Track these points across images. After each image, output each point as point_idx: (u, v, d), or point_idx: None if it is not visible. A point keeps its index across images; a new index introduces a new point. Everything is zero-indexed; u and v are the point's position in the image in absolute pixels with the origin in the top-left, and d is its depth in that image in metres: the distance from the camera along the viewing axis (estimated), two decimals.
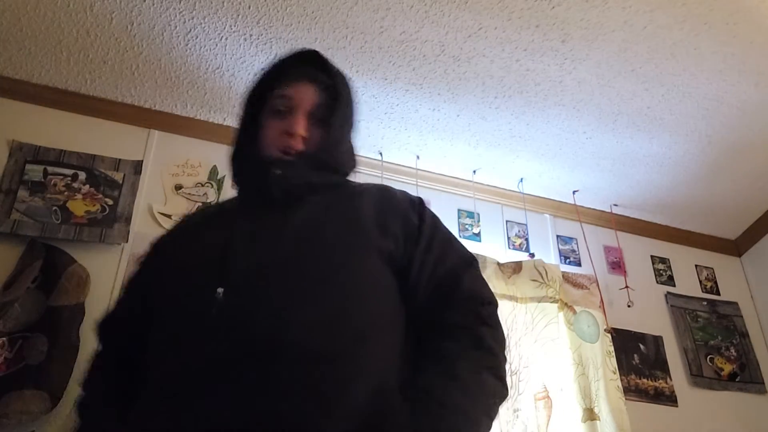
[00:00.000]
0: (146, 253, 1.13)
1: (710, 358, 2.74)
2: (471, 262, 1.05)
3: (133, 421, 0.87)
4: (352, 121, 1.14)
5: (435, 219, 1.09)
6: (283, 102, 1.07)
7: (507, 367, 0.97)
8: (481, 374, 0.91)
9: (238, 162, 1.10)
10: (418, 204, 1.08)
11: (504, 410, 2.19)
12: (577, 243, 2.82)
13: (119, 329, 1.07)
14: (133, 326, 1.02)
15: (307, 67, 1.11)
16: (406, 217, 1.03)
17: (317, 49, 1.15)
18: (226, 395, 0.79)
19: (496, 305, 1.01)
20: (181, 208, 2.31)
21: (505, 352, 0.98)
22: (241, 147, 1.10)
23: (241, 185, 1.11)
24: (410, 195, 1.11)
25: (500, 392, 0.93)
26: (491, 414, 0.89)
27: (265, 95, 1.09)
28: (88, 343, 1.95)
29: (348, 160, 1.13)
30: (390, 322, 0.94)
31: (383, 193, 1.08)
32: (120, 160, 2.30)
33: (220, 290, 0.87)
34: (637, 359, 2.61)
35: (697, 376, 2.67)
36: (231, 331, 0.83)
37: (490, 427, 0.88)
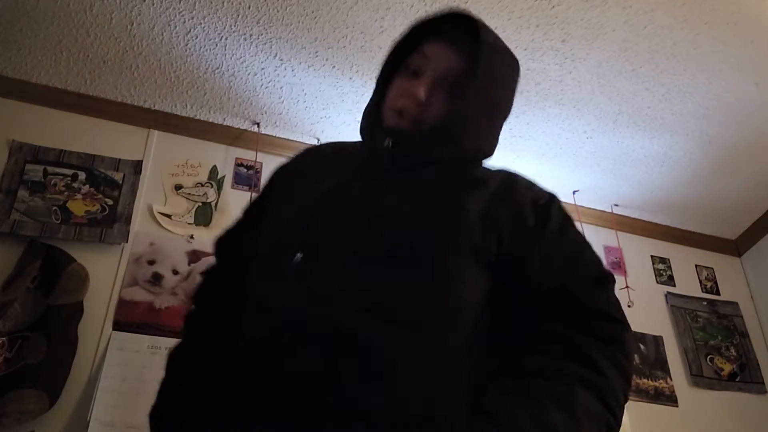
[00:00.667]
0: (267, 180, 1.10)
1: (710, 358, 2.74)
2: (603, 280, 0.86)
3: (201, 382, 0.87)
4: (497, 102, 1.00)
5: (563, 221, 0.89)
6: (417, 60, 0.95)
7: (622, 403, 0.77)
8: (570, 387, 0.73)
9: (365, 115, 1.01)
10: (545, 202, 0.90)
11: None
12: None
13: (232, 249, 1.05)
14: (243, 249, 1.01)
15: (455, 27, 0.97)
16: (521, 215, 0.87)
17: (470, 13, 1.00)
18: (274, 377, 0.76)
19: (624, 326, 0.84)
20: (181, 208, 2.31)
21: (626, 383, 0.78)
22: (372, 102, 1.00)
23: (362, 140, 1.01)
24: (539, 189, 0.93)
25: (601, 419, 0.73)
26: None
27: (406, 51, 0.98)
28: (87, 341, 1.95)
29: (480, 141, 0.97)
30: (462, 328, 0.81)
31: (505, 183, 0.92)
32: (120, 160, 2.30)
33: (299, 255, 0.82)
34: (637, 359, 2.61)
35: (697, 376, 2.67)
36: (296, 305, 0.79)
37: None
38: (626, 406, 2.10)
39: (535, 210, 0.88)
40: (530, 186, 0.94)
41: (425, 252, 0.81)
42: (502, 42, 1.01)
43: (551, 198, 0.92)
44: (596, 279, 0.85)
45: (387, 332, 0.76)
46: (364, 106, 1.01)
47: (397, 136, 0.91)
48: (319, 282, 0.80)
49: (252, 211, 1.08)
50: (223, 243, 1.09)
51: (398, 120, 0.93)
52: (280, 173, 1.08)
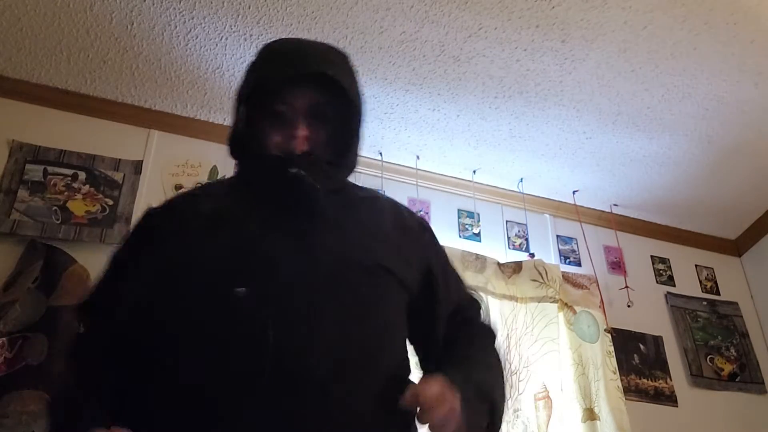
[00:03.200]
0: (142, 227, 1.04)
1: (710, 358, 2.74)
2: (476, 299, 1.14)
3: None
4: (360, 118, 1.09)
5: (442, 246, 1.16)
6: (280, 106, 1.01)
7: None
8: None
9: (240, 150, 1.04)
10: (428, 227, 1.14)
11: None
12: (577, 243, 2.81)
13: (115, 309, 0.96)
14: (135, 306, 0.94)
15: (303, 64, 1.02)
16: (421, 243, 1.07)
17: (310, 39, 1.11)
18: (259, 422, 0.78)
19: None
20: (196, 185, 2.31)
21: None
22: (242, 136, 1.03)
23: (248, 175, 1.04)
24: (418, 216, 1.16)
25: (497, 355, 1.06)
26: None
27: (262, 92, 1.02)
28: None
29: (356, 158, 1.09)
30: (396, 346, 0.98)
31: (395, 211, 1.09)
32: (120, 160, 2.30)
33: (241, 290, 0.83)
34: (637, 359, 2.61)
35: (697, 376, 2.67)
36: (262, 351, 0.80)
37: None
38: (626, 406, 2.24)
39: (424, 231, 1.12)
40: (410, 211, 1.15)
41: (363, 286, 0.91)
42: (338, 52, 1.09)
43: (424, 221, 1.17)
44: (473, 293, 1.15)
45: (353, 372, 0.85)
46: (230, 141, 1.05)
47: (301, 164, 0.96)
48: (279, 330, 0.82)
49: (129, 265, 1.00)
50: (96, 306, 1.00)
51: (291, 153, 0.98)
52: (159, 221, 1.02)
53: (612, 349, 2.50)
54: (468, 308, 1.09)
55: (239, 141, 1.04)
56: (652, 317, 2.75)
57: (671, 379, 2.62)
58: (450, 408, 0.81)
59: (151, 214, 1.04)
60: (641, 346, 2.65)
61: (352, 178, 1.10)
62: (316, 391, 0.80)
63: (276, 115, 1.01)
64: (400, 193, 2.63)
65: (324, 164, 1.00)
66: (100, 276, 1.03)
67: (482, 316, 1.12)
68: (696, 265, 3.01)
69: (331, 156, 1.02)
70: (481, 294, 2.39)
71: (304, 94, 1.01)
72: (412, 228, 1.07)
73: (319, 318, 0.84)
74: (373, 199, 1.10)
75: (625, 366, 2.56)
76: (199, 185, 1.14)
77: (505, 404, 0.98)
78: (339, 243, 0.93)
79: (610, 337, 2.52)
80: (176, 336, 0.87)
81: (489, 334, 1.08)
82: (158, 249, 0.96)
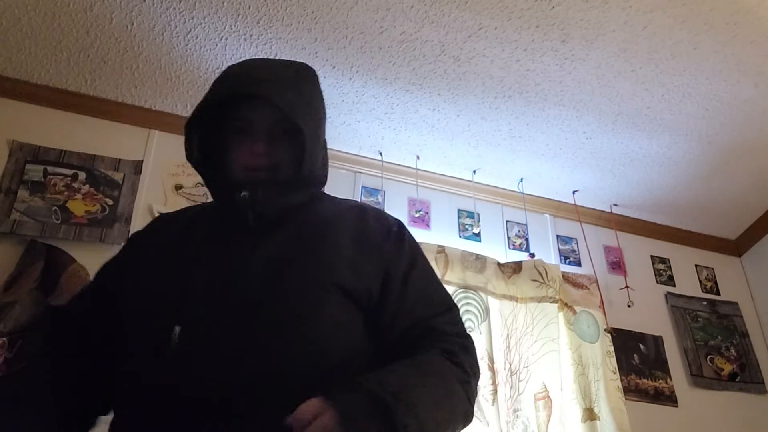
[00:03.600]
0: (124, 250, 1.10)
1: (710, 358, 2.74)
2: (450, 307, 1.03)
3: None
4: (321, 122, 1.07)
5: (415, 250, 1.05)
6: (240, 123, 1.01)
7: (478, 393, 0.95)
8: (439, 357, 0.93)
9: (208, 172, 1.04)
10: (396, 233, 1.04)
11: (504, 410, 2.20)
12: (577, 243, 2.82)
13: (85, 319, 1.03)
14: (100, 320, 1.00)
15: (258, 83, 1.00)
16: (382, 252, 1.00)
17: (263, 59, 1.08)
18: None
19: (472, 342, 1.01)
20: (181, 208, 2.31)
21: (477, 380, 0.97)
22: (209, 156, 1.04)
23: (213, 197, 1.06)
24: (388, 222, 1.06)
25: (465, 410, 0.92)
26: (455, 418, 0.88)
27: (224, 111, 1.01)
28: None
29: (322, 169, 1.06)
30: (349, 369, 0.88)
31: (359, 221, 1.02)
32: (120, 160, 2.30)
33: (177, 329, 0.85)
34: (637, 359, 2.61)
35: (697, 376, 2.67)
36: (185, 380, 0.82)
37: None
38: (626, 406, 2.18)
39: (391, 239, 1.02)
40: (379, 218, 1.06)
41: (297, 311, 0.88)
42: (290, 69, 1.08)
43: (399, 226, 1.06)
44: (447, 308, 1.02)
45: (269, 396, 0.82)
46: (202, 170, 1.04)
47: (253, 188, 0.96)
48: (198, 358, 0.83)
49: (108, 284, 1.06)
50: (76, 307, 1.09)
51: (251, 174, 0.99)
52: (137, 247, 1.08)
53: (612, 349, 2.50)
54: (440, 333, 0.98)
55: (203, 164, 1.05)
56: (652, 317, 2.75)
57: (671, 379, 2.62)
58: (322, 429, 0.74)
59: (134, 238, 1.12)
60: (641, 346, 2.65)
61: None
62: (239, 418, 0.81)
63: (237, 132, 1.01)
64: (400, 193, 2.64)
65: (277, 185, 0.98)
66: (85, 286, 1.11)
67: (458, 341, 0.98)
68: (696, 265, 3.01)
69: (293, 173, 1.00)
70: (481, 294, 2.40)
71: (261, 113, 1.00)
72: (375, 238, 1.01)
73: (242, 352, 0.84)
74: (336, 213, 1.04)
75: (625, 366, 2.56)
76: (182, 209, 1.17)
77: (432, 418, 0.83)
78: (279, 267, 0.91)
79: (610, 337, 2.52)
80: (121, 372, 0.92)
81: (451, 351, 0.94)
82: (127, 279, 1.00)
